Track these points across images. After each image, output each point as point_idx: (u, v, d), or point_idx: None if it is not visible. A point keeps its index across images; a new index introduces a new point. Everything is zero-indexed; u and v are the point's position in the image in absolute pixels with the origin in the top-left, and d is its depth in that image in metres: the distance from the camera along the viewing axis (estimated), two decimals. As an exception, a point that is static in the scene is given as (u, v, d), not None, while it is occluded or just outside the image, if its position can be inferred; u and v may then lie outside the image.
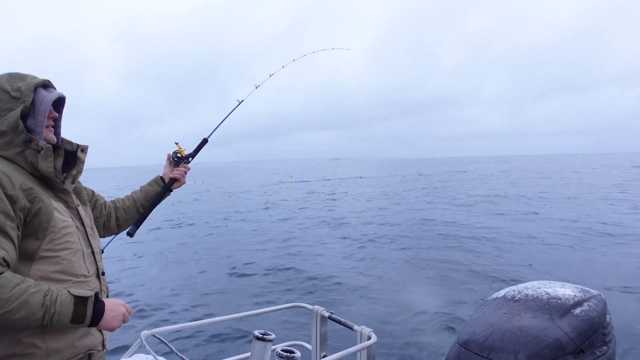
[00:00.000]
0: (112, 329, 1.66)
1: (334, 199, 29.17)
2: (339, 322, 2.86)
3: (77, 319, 1.52)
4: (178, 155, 2.43)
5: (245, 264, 11.29)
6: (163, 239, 16.18)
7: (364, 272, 10.13)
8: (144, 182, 2.46)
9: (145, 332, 2.68)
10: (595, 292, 2.35)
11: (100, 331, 1.79)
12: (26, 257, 1.55)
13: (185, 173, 2.44)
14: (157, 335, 2.67)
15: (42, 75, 1.72)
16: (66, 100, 1.85)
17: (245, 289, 9.01)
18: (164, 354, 2.69)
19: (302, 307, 3.18)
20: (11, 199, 1.50)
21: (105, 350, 1.86)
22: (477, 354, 2.01)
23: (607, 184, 35.70)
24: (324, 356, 3.08)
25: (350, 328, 2.67)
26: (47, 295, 1.46)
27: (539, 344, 1.97)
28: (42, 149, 1.67)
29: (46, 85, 1.77)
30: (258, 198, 32.57)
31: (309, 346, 3.14)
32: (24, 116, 1.67)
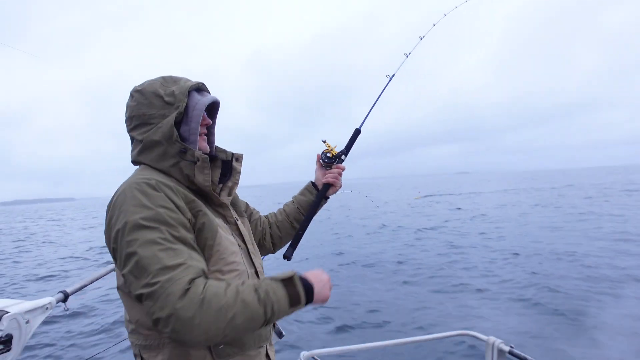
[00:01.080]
0: (326, 299, 1.42)
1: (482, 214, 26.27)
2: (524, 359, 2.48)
3: (294, 300, 1.32)
4: (328, 155, 2.06)
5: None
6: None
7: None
8: (281, 199, 2.03)
9: (305, 353, 2.66)
10: None
11: (267, 355, 1.57)
12: None
13: (340, 175, 2.07)
14: (316, 357, 2.64)
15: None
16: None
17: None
18: None
19: (474, 336, 2.84)
20: (181, 211, 1.34)
21: None
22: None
23: None
24: None
25: None
26: (258, 289, 1.27)
27: None
28: (198, 160, 1.47)
29: (200, 88, 1.59)
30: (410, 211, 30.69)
31: None
32: (177, 123, 1.48)
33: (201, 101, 1.53)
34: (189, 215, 1.36)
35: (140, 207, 1.26)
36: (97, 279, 2.49)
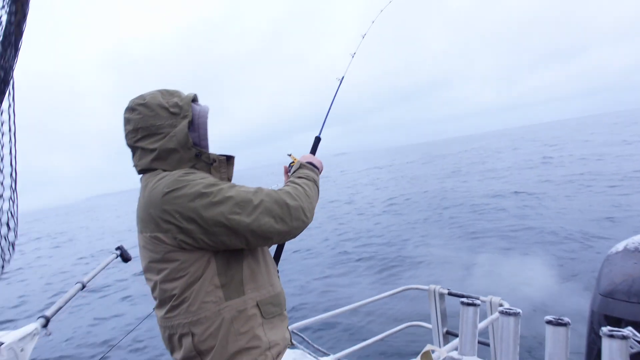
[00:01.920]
0: (321, 166, 2.05)
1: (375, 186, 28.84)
2: (462, 296, 2.97)
3: (314, 172, 1.92)
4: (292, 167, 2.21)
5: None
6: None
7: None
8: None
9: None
10: None
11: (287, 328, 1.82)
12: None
13: None
14: (294, 330, 2.85)
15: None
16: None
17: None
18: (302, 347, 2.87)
19: (417, 288, 3.35)
20: None
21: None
22: (626, 301, 2.13)
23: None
24: (447, 332, 3.22)
25: (477, 299, 2.77)
26: (307, 177, 1.83)
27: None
28: (215, 161, 1.67)
29: (194, 99, 1.74)
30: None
31: (428, 325, 3.29)
32: None
33: (203, 109, 1.70)
34: None
35: (196, 181, 1.51)
36: (70, 299, 2.47)
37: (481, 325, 2.43)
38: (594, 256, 7.84)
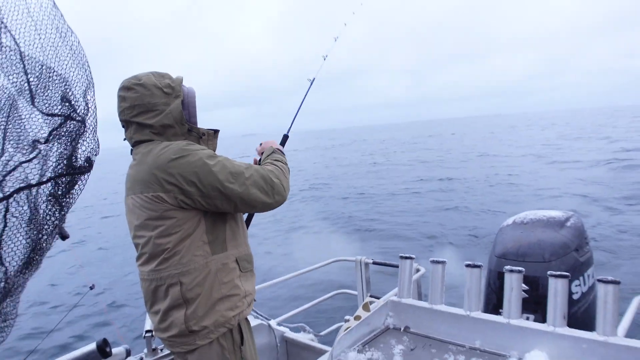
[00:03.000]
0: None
1: None
2: (384, 264, 3.49)
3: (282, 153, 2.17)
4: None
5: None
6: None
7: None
8: None
9: None
10: (570, 212, 3.24)
11: None
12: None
13: None
14: None
15: None
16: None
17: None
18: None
19: (345, 259, 3.82)
20: None
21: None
22: (514, 260, 2.75)
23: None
24: (371, 296, 3.72)
25: (396, 266, 3.28)
26: (280, 160, 2.04)
27: (554, 245, 2.77)
28: (204, 134, 1.94)
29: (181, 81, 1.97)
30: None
31: (354, 292, 3.77)
32: None
33: (192, 91, 1.97)
34: None
35: (198, 151, 1.76)
36: None
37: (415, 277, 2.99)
38: (492, 229, 9.23)
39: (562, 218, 3.13)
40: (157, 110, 1.82)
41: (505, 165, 23.23)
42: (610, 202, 12.81)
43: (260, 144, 2.29)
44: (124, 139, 1.95)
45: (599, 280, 1.67)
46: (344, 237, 11.51)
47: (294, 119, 2.71)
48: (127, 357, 2.43)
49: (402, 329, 2.07)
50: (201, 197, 1.73)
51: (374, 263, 3.59)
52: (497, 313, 1.90)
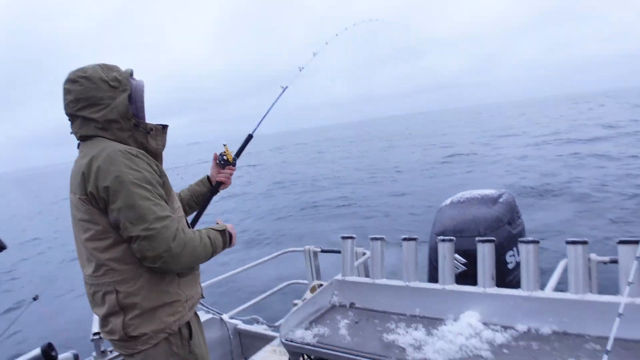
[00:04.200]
0: (234, 244, 2.04)
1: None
2: (332, 251, 3.58)
3: (225, 244, 1.91)
4: (224, 157, 2.36)
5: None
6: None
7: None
8: None
9: None
10: (503, 190, 3.46)
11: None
12: None
13: (231, 175, 2.39)
14: None
15: None
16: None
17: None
18: None
19: (293, 251, 3.89)
20: (156, 173, 1.74)
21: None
22: (452, 236, 2.91)
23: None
24: (321, 285, 3.81)
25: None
26: (209, 236, 1.82)
27: (488, 219, 2.95)
28: (152, 129, 1.84)
29: (131, 74, 1.88)
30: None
31: (305, 281, 3.85)
32: None
33: (140, 84, 1.87)
34: (158, 175, 1.76)
35: (130, 169, 1.64)
36: None
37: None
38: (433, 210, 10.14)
39: (495, 195, 3.33)
40: (102, 105, 1.75)
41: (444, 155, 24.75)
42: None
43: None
44: (71, 133, 1.86)
45: (521, 241, 1.82)
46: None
47: (262, 120, 2.68)
48: None
49: (347, 305, 2.16)
50: (112, 215, 1.64)
51: (322, 251, 3.69)
52: None
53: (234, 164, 2.40)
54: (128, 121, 1.79)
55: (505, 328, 1.72)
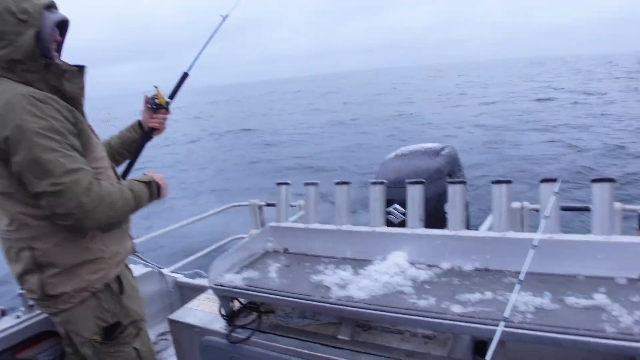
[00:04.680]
0: (165, 196, 1.91)
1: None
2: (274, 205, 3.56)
3: (152, 197, 1.78)
4: (156, 101, 2.14)
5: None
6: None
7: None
8: None
9: None
10: (447, 144, 3.52)
11: (131, 237, 1.93)
12: None
13: (165, 120, 2.19)
14: None
15: None
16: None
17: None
18: None
19: (238, 205, 3.84)
20: (68, 120, 1.53)
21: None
22: (393, 188, 2.94)
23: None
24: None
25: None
26: (132, 189, 1.67)
27: (430, 171, 2.98)
28: (67, 71, 1.59)
29: (50, 6, 1.60)
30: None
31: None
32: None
33: (51, 18, 1.58)
34: (71, 123, 1.55)
35: (34, 117, 1.44)
36: None
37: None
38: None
39: (438, 148, 3.37)
40: (5, 41, 1.49)
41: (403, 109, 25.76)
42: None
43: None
44: None
45: (448, 182, 1.84)
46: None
47: (198, 56, 2.41)
48: (2, 317, 2.29)
49: (281, 251, 2.14)
50: (14, 167, 1.47)
51: (267, 205, 3.65)
52: None
53: (167, 108, 2.18)
54: (35, 62, 1.54)
55: (431, 267, 1.75)
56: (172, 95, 2.25)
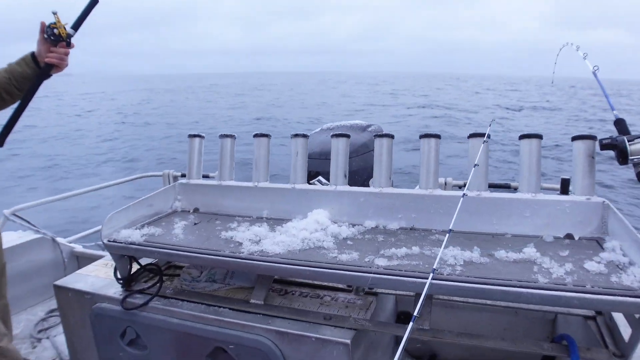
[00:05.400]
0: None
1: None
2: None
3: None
4: (55, 31, 1.74)
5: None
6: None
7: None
8: None
9: (6, 211, 2.70)
10: (372, 122, 3.46)
11: None
12: None
13: (66, 56, 1.81)
14: (17, 214, 2.73)
15: None
16: None
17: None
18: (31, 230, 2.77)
19: (151, 175, 3.52)
20: None
21: None
22: (318, 159, 2.79)
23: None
24: None
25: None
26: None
27: (355, 145, 2.87)
28: None
29: None
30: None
31: None
32: None
33: None
34: None
35: None
36: None
37: None
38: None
39: (364, 125, 3.30)
40: None
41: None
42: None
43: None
44: None
45: (375, 136, 1.70)
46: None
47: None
48: None
49: (190, 210, 1.91)
50: None
51: (182, 175, 3.38)
52: None
53: (68, 42, 1.78)
54: None
55: (354, 225, 1.61)
56: (76, 25, 1.81)
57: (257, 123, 22.92)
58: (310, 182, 2.73)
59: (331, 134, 3.09)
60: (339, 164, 1.73)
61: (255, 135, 1.84)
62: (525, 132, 1.55)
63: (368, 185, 2.89)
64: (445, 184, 2.69)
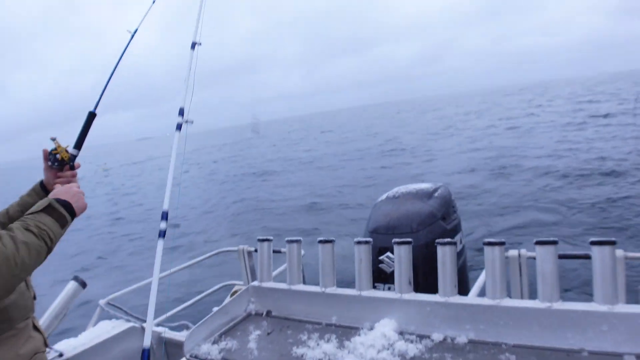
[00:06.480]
0: (84, 208, 1.56)
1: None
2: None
3: (61, 221, 1.43)
4: (57, 157, 1.72)
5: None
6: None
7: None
8: None
9: (101, 301, 2.95)
10: (440, 183, 3.39)
11: (40, 331, 1.57)
12: None
13: (74, 178, 1.75)
14: (111, 303, 2.97)
15: None
16: None
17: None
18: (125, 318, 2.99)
19: (227, 250, 3.70)
20: None
21: (47, 349, 1.69)
22: (385, 234, 2.80)
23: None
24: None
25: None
26: (28, 227, 1.32)
27: (421, 216, 2.86)
28: None
29: None
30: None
31: (240, 282, 3.67)
32: None
33: None
34: None
35: None
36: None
37: None
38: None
39: (430, 189, 3.24)
40: None
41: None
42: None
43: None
44: None
45: (438, 243, 1.71)
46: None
47: (103, 91, 2.02)
48: None
49: (264, 313, 2.00)
50: None
51: (256, 251, 3.51)
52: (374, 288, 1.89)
53: (71, 164, 1.74)
54: None
55: (421, 338, 1.61)
56: (77, 144, 1.83)
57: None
58: (379, 257, 2.75)
59: (396, 205, 3.12)
60: (402, 272, 1.75)
61: (320, 242, 1.91)
62: (596, 239, 1.49)
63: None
64: (520, 256, 2.59)
